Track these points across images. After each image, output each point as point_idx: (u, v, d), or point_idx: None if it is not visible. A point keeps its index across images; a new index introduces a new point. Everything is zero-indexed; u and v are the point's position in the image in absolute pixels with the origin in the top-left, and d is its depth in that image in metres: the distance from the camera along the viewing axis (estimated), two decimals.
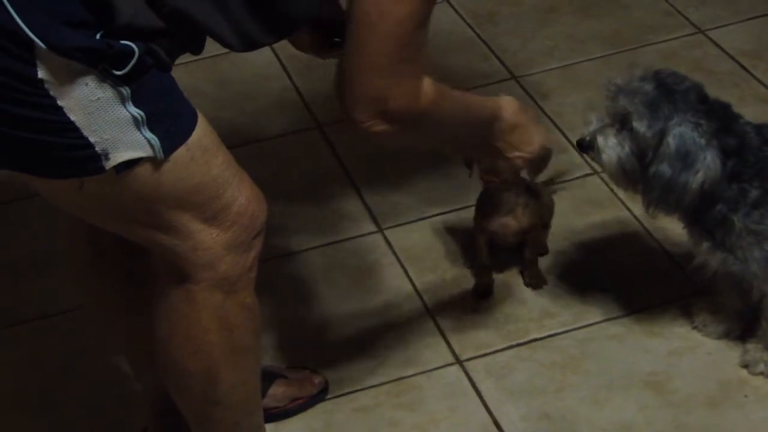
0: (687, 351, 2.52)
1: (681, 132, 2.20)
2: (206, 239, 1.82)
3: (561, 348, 2.55)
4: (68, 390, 2.56)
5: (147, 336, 1.99)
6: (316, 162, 3.13)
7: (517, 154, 2.17)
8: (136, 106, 1.67)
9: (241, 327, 1.93)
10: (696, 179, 2.21)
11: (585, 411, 2.41)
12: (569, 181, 2.97)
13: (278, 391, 2.42)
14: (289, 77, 3.46)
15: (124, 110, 1.66)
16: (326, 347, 2.60)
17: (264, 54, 3.53)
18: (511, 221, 2.64)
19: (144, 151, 1.69)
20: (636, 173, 2.28)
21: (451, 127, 2.02)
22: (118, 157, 1.68)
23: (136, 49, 1.64)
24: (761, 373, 2.44)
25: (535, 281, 2.72)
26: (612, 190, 2.92)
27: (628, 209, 2.87)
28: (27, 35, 1.57)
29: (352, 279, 2.77)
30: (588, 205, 2.91)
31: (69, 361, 2.63)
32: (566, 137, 3.11)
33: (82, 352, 2.64)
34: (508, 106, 2.14)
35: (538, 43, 3.51)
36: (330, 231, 2.91)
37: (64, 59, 1.60)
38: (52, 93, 1.62)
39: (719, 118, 2.24)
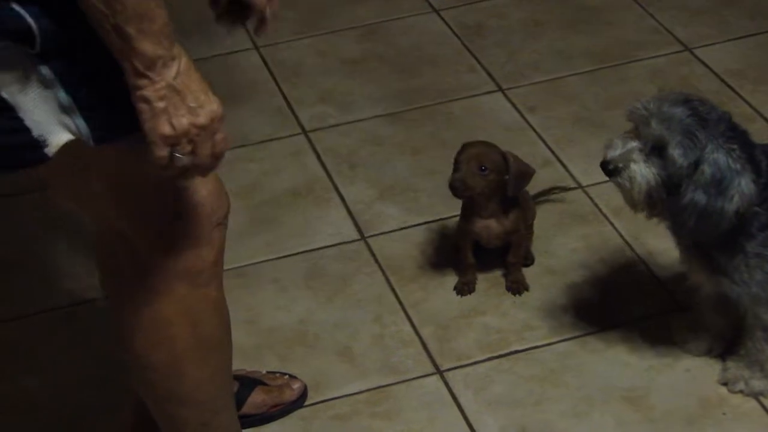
0: (666, 367, 2.52)
1: (716, 159, 2.19)
2: (166, 228, 1.81)
3: (541, 361, 2.55)
4: (42, 392, 2.55)
5: None
6: (300, 168, 3.13)
7: None
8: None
9: (206, 321, 1.92)
10: (732, 204, 2.19)
11: (563, 424, 2.41)
12: (553, 195, 2.98)
13: (258, 399, 2.41)
14: (276, 83, 3.46)
15: None
16: (305, 354, 2.60)
17: (251, 59, 3.54)
18: (493, 224, 2.66)
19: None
20: (661, 201, 2.26)
21: None
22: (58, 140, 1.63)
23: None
24: (740, 391, 2.44)
25: (516, 286, 2.72)
26: (596, 204, 2.93)
27: (611, 223, 2.87)
28: None
29: (334, 286, 2.77)
30: (571, 219, 2.91)
31: (43, 362, 2.62)
32: (552, 150, 3.12)
33: (55, 354, 2.63)
34: None
35: (525, 57, 3.52)
36: (313, 237, 2.91)
37: None
38: None
39: (746, 146, 2.24)
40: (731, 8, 3.66)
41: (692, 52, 3.48)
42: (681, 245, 2.38)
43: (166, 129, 1.57)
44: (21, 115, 1.61)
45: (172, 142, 1.58)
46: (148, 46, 1.53)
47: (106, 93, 1.63)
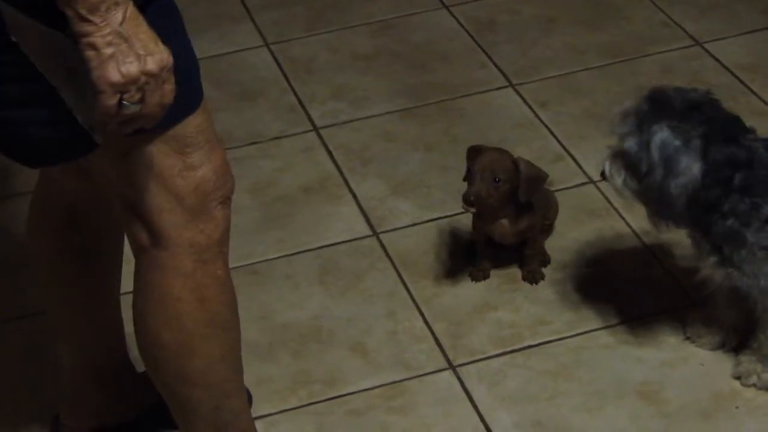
0: (680, 361, 2.53)
1: (662, 138, 2.22)
2: (169, 203, 1.82)
3: (554, 355, 2.56)
4: (42, 392, 2.54)
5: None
6: (312, 165, 3.14)
7: None
8: None
9: (213, 298, 1.93)
10: (677, 183, 2.21)
11: (577, 419, 2.42)
12: (565, 189, 2.98)
13: None
14: (287, 80, 3.46)
15: None
16: (319, 350, 2.61)
17: (262, 56, 3.54)
18: (506, 223, 2.67)
19: None
20: (639, 192, 2.30)
21: None
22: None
23: None
24: (753, 385, 2.45)
25: (532, 275, 2.73)
26: (608, 199, 2.93)
27: (623, 219, 2.87)
28: None
29: (347, 282, 2.78)
30: (584, 214, 2.91)
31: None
32: (563, 146, 3.12)
33: (55, 353, 2.62)
34: None
35: (537, 52, 3.52)
36: (325, 234, 2.91)
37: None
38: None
39: (722, 128, 2.24)
40: (742, 3, 3.66)
41: (703, 47, 3.48)
42: (691, 236, 2.38)
43: (115, 76, 1.55)
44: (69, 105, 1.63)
45: (121, 89, 1.56)
46: None
47: None
